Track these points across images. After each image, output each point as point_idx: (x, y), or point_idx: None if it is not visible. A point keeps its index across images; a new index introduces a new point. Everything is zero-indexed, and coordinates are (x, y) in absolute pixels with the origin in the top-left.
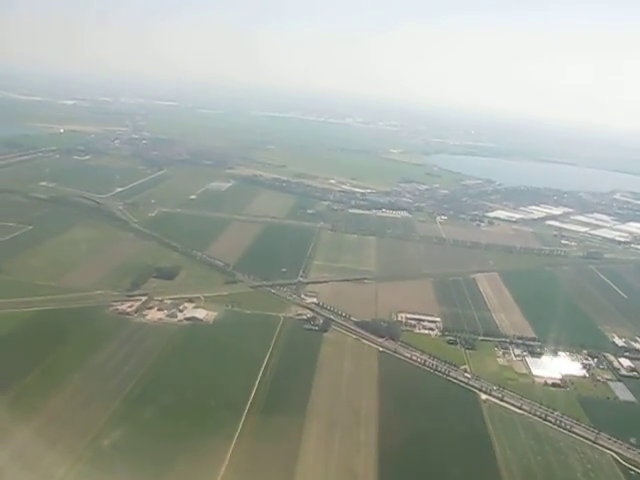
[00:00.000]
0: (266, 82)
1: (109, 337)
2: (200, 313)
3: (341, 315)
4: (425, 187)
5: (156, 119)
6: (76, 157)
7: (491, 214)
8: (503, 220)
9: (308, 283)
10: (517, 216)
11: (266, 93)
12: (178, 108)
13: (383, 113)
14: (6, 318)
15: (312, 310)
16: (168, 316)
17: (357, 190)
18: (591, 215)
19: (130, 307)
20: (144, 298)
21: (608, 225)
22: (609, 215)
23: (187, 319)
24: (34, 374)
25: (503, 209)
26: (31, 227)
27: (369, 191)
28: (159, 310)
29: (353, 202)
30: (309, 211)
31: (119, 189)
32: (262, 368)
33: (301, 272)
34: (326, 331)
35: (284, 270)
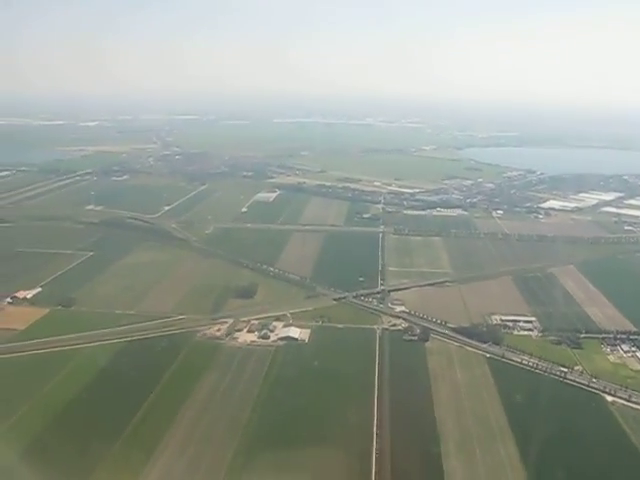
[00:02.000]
0: (274, 89)
1: (208, 365)
2: (294, 332)
3: (436, 322)
4: (470, 182)
5: (182, 134)
6: (114, 178)
7: (545, 205)
8: (558, 210)
9: (391, 291)
10: (571, 205)
11: (280, 100)
12: (200, 121)
13: (396, 110)
14: (97, 352)
15: (405, 319)
16: (260, 337)
17: (405, 190)
18: None
19: (218, 331)
20: (230, 320)
21: None
22: None
23: (281, 339)
24: (144, 410)
25: (554, 199)
26: (92, 253)
27: (417, 190)
28: (249, 332)
29: (405, 203)
30: (365, 215)
31: (167, 207)
32: (375, 386)
33: (380, 280)
34: (427, 340)
35: (361, 279)
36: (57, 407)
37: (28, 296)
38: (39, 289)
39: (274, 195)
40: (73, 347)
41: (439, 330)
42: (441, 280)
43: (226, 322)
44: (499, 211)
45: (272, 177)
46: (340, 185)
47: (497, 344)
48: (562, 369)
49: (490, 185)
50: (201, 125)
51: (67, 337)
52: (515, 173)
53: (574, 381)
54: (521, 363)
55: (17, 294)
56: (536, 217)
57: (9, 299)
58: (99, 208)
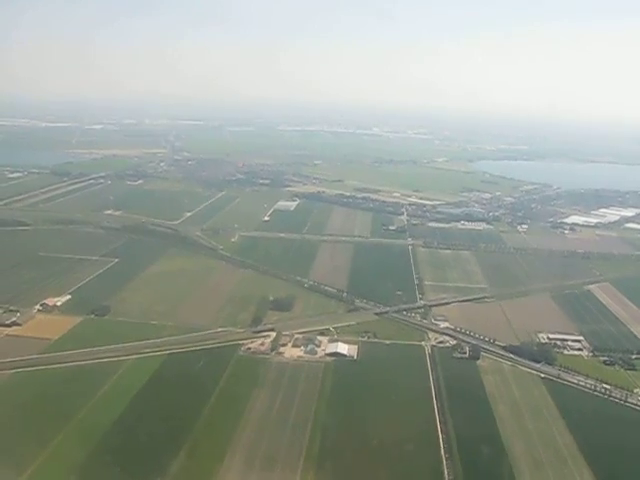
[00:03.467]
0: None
1: (257, 381)
2: (342, 348)
3: (484, 340)
4: (489, 195)
5: (189, 139)
6: (129, 182)
7: (568, 220)
8: (582, 226)
9: (432, 306)
10: (593, 220)
11: (282, 107)
12: (205, 127)
13: (399, 120)
14: (138, 365)
15: (452, 336)
16: (307, 353)
17: (426, 202)
18: None
19: (262, 345)
20: (272, 334)
21: None
22: None
23: (329, 355)
24: (197, 431)
25: (576, 214)
26: (117, 260)
27: (437, 203)
28: (294, 347)
29: (429, 215)
30: (391, 227)
31: (188, 213)
32: (435, 407)
33: (418, 294)
34: (477, 359)
35: (399, 293)
36: (102, 427)
37: (58, 303)
38: (68, 296)
39: (294, 204)
40: (112, 359)
41: (489, 348)
42: (480, 295)
43: (268, 336)
44: (524, 225)
45: (289, 185)
46: (360, 195)
47: (550, 364)
48: (621, 392)
49: (510, 199)
50: (207, 131)
51: (104, 348)
52: (531, 187)
53: (637, 405)
54: (578, 384)
55: (46, 301)
56: (562, 232)
57: (39, 306)
58: (118, 213)
